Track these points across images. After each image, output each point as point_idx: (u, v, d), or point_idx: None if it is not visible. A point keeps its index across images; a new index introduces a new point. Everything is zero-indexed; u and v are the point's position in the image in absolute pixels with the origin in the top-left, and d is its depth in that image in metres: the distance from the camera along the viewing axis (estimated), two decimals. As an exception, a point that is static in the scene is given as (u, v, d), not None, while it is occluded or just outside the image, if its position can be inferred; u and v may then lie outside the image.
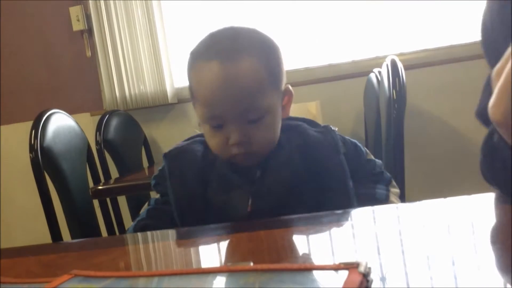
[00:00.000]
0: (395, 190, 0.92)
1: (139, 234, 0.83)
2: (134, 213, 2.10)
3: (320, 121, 2.04)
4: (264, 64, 0.82)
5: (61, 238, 1.61)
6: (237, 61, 0.80)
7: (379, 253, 0.51)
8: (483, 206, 0.64)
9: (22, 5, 2.65)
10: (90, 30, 2.57)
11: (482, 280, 0.40)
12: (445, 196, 0.68)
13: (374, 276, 0.41)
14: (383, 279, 0.42)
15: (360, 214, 0.70)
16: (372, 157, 0.95)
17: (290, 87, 0.90)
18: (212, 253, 0.64)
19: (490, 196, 0.65)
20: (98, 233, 1.86)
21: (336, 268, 0.39)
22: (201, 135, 0.95)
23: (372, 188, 0.88)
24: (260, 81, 0.81)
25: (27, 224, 2.67)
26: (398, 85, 1.45)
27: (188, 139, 0.97)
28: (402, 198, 0.98)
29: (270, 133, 0.84)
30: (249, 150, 0.82)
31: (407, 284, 0.41)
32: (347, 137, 0.92)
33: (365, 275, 0.38)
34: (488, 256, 0.46)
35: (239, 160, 0.85)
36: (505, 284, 0.38)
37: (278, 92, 0.86)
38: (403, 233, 0.58)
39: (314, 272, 0.40)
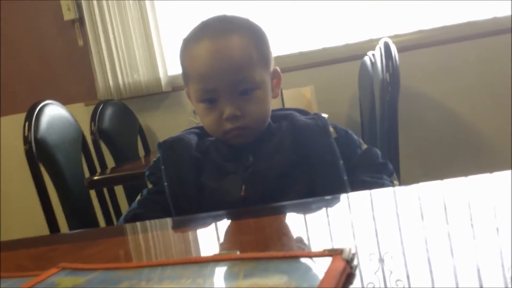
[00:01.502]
0: (396, 182, 0.92)
1: (128, 225, 0.83)
2: (131, 203, 2.10)
3: (315, 105, 2.04)
4: (253, 42, 0.87)
5: (58, 230, 1.61)
6: (227, 37, 0.85)
7: (376, 236, 0.51)
8: (479, 187, 0.64)
9: (12, -4, 2.62)
10: (81, 19, 2.54)
11: (480, 261, 0.40)
12: (440, 179, 0.67)
13: (372, 259, 0.41)
14: (381, 260, 0.42)
15: (353, 198, 0.70)
16: (365, 146, 0.95)
17: (278, 69, 0.94)
18: (201, 242, 0.64)
19: (486, 177, 0.64)
20: (96, 224, 1.86)
21: (320, 255, 0.39)
22: (196, 127, 0.99)
23: (379, 178, 0.88)
24: (249, 55, 0.85)
25: (25, 216, 2.67)
26: (392, 68, 1.44)
27: (183, 131, 0.98)
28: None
29: (261, 107, 0.87)
30: (242, 123, 0.85)
31: (405, 266, 0.42)
32: (338, 125, 0.93)
33: (349, 261, 0.38)
34: (485, 236, 0.46)
35: (233, 136, 0.87)
36: (503, 265, 0.38)
37: (267, 70, 0.90)
38: (399, 216, 0.58)
39: (299, 259, 0.40)
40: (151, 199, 0.93)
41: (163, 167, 0.92)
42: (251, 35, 0.88)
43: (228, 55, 0.84)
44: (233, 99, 0.84)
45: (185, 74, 0.91)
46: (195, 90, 0.88)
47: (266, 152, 0.88)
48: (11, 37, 2.67)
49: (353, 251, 0.39)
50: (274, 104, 0.92)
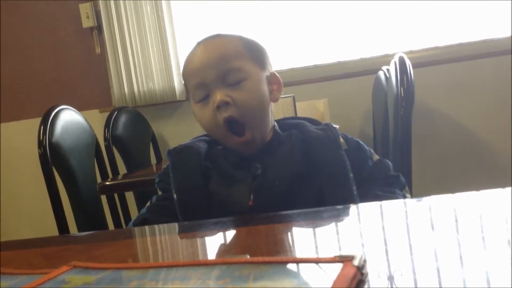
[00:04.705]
0: (408, 196, 0.91)
1: (139, 228, 0.83)
2: (141, 209, 2.10)
3: (327, 119, 2.04)
4: (241, 42, 0.91)
5: (68, 233, 1.62)
6: (216, 39, 0.91)
7: (386, 248, 0.51)
8: (491, 201, 0.63)
9: (32, 2, 2.67)
10: (99, 27, 2.58)
11: (490, 275, 0.40)
12: (452, 193, 0.67)
13: (381, 271, 0.41)
14: (390, 278, 0.42)
15: (363, 209, 0.70)
16: (377, 156, 0.94)
17: (277, 74, 0.95)
18: (210, 246, 0.64)
19: (499, 192, 0.64)
20: (105, 228, 1.87)
21: (331, 261, 0.39)
22: (206, 135, 0.99)
23: (391, 192, 0.87)
24: (236, 49, 0.89)
25: (35, 220, 2.69)
26: (406, 83, 1.43)
27: (193, 139, 0.98)
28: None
29: (253, 96, 0.87)
30: (235, 113, 0.85)
31: (414, 279, 0.41)
32: (349, 136, 0.93)
33: (360, 268, 0.37)
34: (496, 251, 0.45)
35: (238, 144, 0.87)
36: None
37: (260, 68, 0.91)
38: (410, 229, 0.57)
39: (309, 265, 0.40)
40: (160, 206, 0.93)
41: (171, 174, 0.92)
42: (241, 38, 0.92)
43: (214, 50, 0.88)
44: (221, 88, 0.86)
45: (185, 84, 0.94)
46: (192, 94, 0.90)
47: (275, 162, 0.88)
48: (30, 42, 2.72)
49: (364, 258, 0.39)
50: (286, 115, 0.92)
